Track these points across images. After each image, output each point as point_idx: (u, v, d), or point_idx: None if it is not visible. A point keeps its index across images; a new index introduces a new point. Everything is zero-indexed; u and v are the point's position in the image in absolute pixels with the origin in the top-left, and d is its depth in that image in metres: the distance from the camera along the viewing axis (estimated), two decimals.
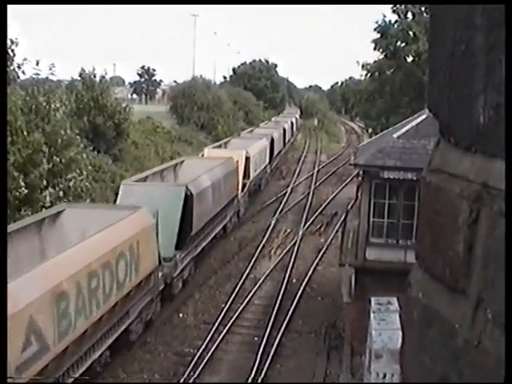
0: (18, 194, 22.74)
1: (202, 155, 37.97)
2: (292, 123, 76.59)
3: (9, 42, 28.63)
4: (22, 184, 22.85)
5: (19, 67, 29.70)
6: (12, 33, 29.48)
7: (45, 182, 24.37)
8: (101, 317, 16.83)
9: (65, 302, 14.87)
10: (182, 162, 33.55)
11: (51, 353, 14.27)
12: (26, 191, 22.99)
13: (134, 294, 19.31)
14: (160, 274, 21.68)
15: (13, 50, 28.96)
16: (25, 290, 13.28)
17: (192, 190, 24.91)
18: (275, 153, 52.78)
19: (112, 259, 17.48)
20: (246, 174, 38.24)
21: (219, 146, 42.64)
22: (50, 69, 30.80)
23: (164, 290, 22.40)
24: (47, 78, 31.20)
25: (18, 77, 30.52)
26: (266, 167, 46.63)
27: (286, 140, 65.66)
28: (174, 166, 32.45)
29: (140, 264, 19.47)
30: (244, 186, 37.59)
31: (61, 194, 24.95)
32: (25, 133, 24.20)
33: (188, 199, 24.45)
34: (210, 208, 28.09)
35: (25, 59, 29.70)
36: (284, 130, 63.77)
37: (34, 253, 17.68)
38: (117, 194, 24.34)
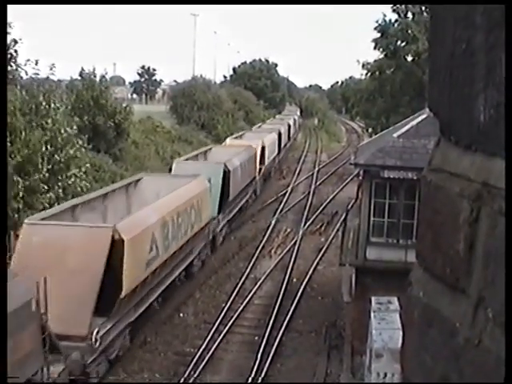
0: (16, 201, 22.79)
1: (224, 145, 45.30)
2: (295, 120, 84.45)
3: (12, 42, 28.64)
4: (20, 189, 22.88)
5: (20, 67, 29.68)
6: (14, 33, 29.36)
7: (45, 186, 24.40)
8: (181, 246, 23.61)
9: (166, 229, 21.65)
10: (210, 149, 40.84)
11: (160, 259, 20.95)
12: (20, 202, 23.01)
13: (196, 236, 25.94)
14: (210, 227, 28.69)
15: (16, 50, 28.95)
16: (148, 216, 20.38)
17: (228, 166, 32.08)
18: (282, 145, 60.07)
19: (188, 207, 24.52)
20: (262, 161, 44.92)
21: (236, 138, 49.04)
22: (51, 68, 30.85)
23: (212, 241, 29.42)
24: (47, 77, 31.21)
25: (21, 77, 30.53)
26: (275, 157, 53.59)
27: (291, 134, 73.56)
28: (204, 151, 39.45)
29: (202, 214, 26.48)
30: (260, 170, 43.88)
31: (60, 192, 24.95)
32: (23, 134, 24.19)
33: (226, 174, 31.37)
34: (240, 183, 35.25)
35: (28, 60, 29.72)
36: (289, 126, 70.93)
37: (123, 207, 24.05)
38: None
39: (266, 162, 46.67)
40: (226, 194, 31.53)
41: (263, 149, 45.45)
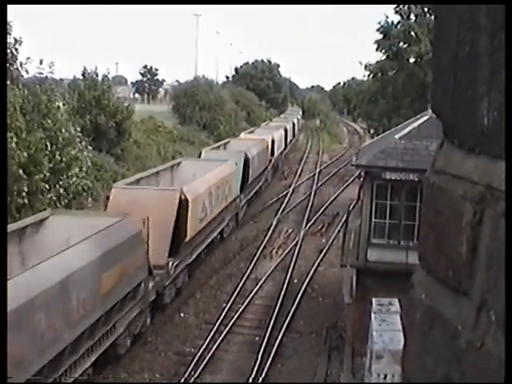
0: (20, 200, 22.78)
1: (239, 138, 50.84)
2: (298, 119, 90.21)
3: (12, 41, 28.63)
4: (25, 189, 22.89)
5: (22, 66, 29.68)
6: (15, 32, 29.29)
7: (46, 186, 24.41)
8: (218, 213, 29.10)
9: (210, 197, 27.32)
10: (229, 141, 46.31)
11: (206, 219, 26.82)
12: (25, 199, 23.01)
13: (227, 208, 31.49)
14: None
15: (16, 49, 28.94)
16: (196, 187, 25.43)
17: (248, 155, 37.46)
18: (288, 140, 66.23)
19: (222, 183, 29.90)
20: (272, 153, 50.50)
21: (248, 133, 55.25)
22: (50, 67, 30.84)
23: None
24: (48, 76, 31.23)
25: (22, 76, 30.53)
26: (282, 151, 59.54)
27: (295, 132, 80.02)
28: (224, 143, 45.15)
29: (231, 191, 32.06)
30: (270, 160, 49.27)
31: (61, 191, 24.98)
32: (24, 134, 24.20)
33: (246, 161, 36.88)
34: (256, 170, 40.66)
35: (28, 58, 29.71)
36: (293, 124, 77.58)
37: (169, 183, 28.13)
38: None
39: (275, 154, 52.50)
40: (246, 178, 37.20)
41: (273, 142, 51.31)
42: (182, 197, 23.31)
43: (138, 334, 20.19)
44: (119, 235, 18.08)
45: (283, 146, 59.90)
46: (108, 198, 23.41)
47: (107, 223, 18.08)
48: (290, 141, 69.11)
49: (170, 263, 22.54)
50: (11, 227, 17.64)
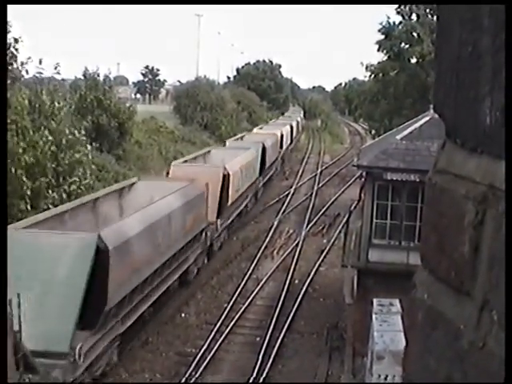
0: (23, 206, 22.81)
1: (253, 133, 58.27)
2: (300, 119, 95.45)
3: (12, 41, 28.61)
4: (28, 193, 22.90)
5: (22, 65, 29.66)
6: (15, 31, 29.32)
7: (50, 191, 24.42)
8: (246, 189, 36.40)
9: (242, 174, 34.60)
10: (244, 135, 54.31)
11: (240, 191, 34.13)
12: (29, 205, 23.02)
13: (251, 186, 38.68)
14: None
15: (17, 49, 28.92)
16: (233, 166, 31.94)
17: (265, 145, 44.91)
18: (294, 135, 73.69)
19: (249, 166, 37.14)
20: (281, 146, 57.58)
21: (259, 129, 63.36)
22: (55, 68, 30.88)
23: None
24: (52, 77, 31.25)
25: (22, 76, 30.54)
26: (289, 145, 66.83)
27: (300, 128, 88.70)
28: (241, 136, 53.05)
29: (254, 173, 39.72)
30: (279, 152, 56.04)
31: (64, 196, 24.96)
32: (31, 132, 24.19)
33: (264, 150, 44.00)
34: (271, 157, 48.05)
35: (29, 58, 29.70)
36: (297, 122, 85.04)
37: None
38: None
39: (284, 147, 59.59)
40: (263, 164, 43.84)
41: (282, 137, 58.38)
42: (225, 172, 30.38)
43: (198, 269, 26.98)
44: (192, 192, 25.18)
45: (290, 141, 67.18)
46: (168, 173, 30.41)
47: (182, 185, 24.89)
48: (295, 137, 76.70)
49: (218, 221, 29.41)
50: (111, 188, 25.54)
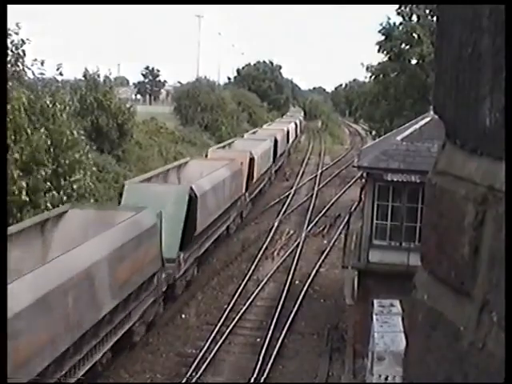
0: (18, 198, 22.67)
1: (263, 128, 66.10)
2: (300, 120, 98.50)
3: (20, 42, 28.63)
4: (24, 185, 22.78)
5: (28, 68, 29.68)
6: (21, 33, 29.20)
7: (48, 184, 24.33)
8: (263, 173, 43.56)
9: (262, 159, 41.75)
10: (257, 130, 62.45)
11: (260, 173, 41.80)
12: (27, 197, 22.91)
13: (267, 171, 46.04)
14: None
15: (24, 51, 28.93)
16: (257, 152, 39.94)
17: (276, 138, 52.42)
18: (297, 132, 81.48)
19: (265, 154, 43.93)
20: (288, 140, 64.90)
21: (268, 125, 71.78)
22: (58, 69, 30.90)
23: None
24: (54, 78, 31.24)
25: (28, 77, 30.56)
26: (294, 139, 74.67)
27: (302, 126, 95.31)
28: (253, 132, 60.27)
29: (269, 160, 46.89)
30: (286, 145, 63.18)
31: (64, 198, 24.91)
32: (29, 131, 24.17)
33: (276, 142, 51.27)
34: (281, 148, 55.59)
35: (35, 59, 29.71)
36: (300, 120, 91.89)
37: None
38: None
39: (290, 140, 66.75)
40: (275, 154, 50.77)
41: (288, 132, 65.25)
42: (251, 156, 38.17)
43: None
44: (234, 167, 30.37)
45: (294, 136, 74.73)
46: (206, 155, 38.43)
47: (227, 162, 29.29)
48: (298, 134, 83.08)
49: (246, 194, 36.82)
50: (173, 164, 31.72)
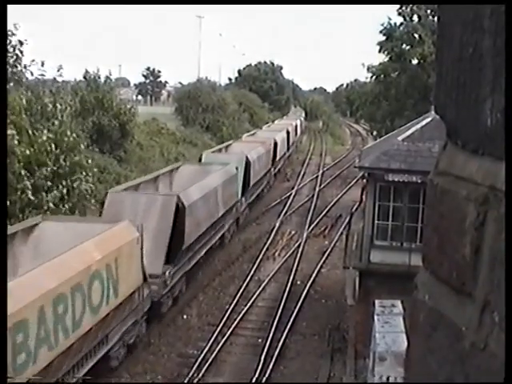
0: (24, 195, 22.68)
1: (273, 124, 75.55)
2: (301, 120, 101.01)
3: (18, 43, 28.64)
4: (28, 184, 22.78)
5: (26, 68, 29.68)
6: (20, 34, 29.18)
7: (49, 183, 24.32)
8: (278, 159, 52.76)
9: (283, 143, 57.12)
10: (270, 125, 71.62)
11: (268, 165, 47.01)
12: (31, 194, 22.91)
13: (282, 157, 56.83)
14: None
15: (22, 51, 28.94)
16: (278, 138, 53.38)
17: (289, 130, 63.11)
18: (302, 128, 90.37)
19: (284, 142, 58.23)
20: (295, 135, 72.97)
21: (278, 122, 78.91)
22: (58, 70, 30.95)
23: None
24: (55, 78, 31.29)
25: (27, 78, 30.57)
26: (300, 136, 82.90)
27: (303, 126, 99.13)
28: (268, 125, 70.35)
29: (284, 148, 58.42)
30: (296, 135, 72.91)
31: (64, 192, 24.91)
32: (30, 132, 24.18)
33: (288, 134, 61.01)
34: (292, 140, 66.10)
35: (33, 60, 29.73)
36: (301, 121, 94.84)
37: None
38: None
39: (291, 140, 68.71)
40: (288, 144, 61.48)
41: (296, 127, 75.17)
42: (275, 141, 49.60)
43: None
44: (268, 146, 41.82)
45: (295, 135, 77.41)
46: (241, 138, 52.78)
47: (261, 144, 37.55)
48: (302, 131, 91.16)
49: (272, 169, 48.83)
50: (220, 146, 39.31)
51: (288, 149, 61.97)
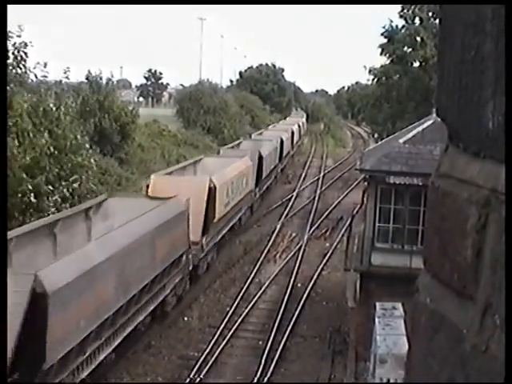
0: (26, 199, 22.67)
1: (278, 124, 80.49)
2: (302, 123, 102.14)
3: (23, 45, 28.55)
4: (30, 188, 22.76)
5: (30, 70, 29.64)
6: (24, 35, 29.06)
7: (50, 187, 24.30)
8: (285, 155, 57.26)
9: (289, 140, 63.33)
10: (276, 125, 75.17)
11: (276, 160, 50.22)
12: (33, 197, 22.89)
13: (288, 155, 59.95)
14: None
15: (26, 53, 28.85)
16: (286, 135, 59.16)
17: (293, 129, 67.51)
18: (301, 133, 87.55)
19: (289, 140, 62.77)
20: (300, 133, 78.45)
21: (282, 122, 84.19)
22: (65, 72, 30.99)
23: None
24: (57, 81, 31.26)
25: (32, 80, 30.54)
26: (297, 140, 79.56)
27: (305, 127, 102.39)
28: (274, 125, 75.19)
29: (290, 147, 62.10)
30: (292, 142, 68.02)
31: (66, 193, 24.88)
32: (31, 135, 24.16)
33: (292, 133, 65.44)
34: (296, 139, 70.74)
35: (38, 63, 29.67)
36: (303, 122, 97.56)
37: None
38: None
39: (294, 140, 71.68)
40: (292, 142, 65.22)
41: (303, 124, 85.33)
42: (284, 137, 54.55)
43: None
44: (284, 138, 51.68)
45: (298, 136, 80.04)
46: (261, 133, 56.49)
47: (276, 136, 44.67)
48: (301, 135, 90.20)
49: (279, 164, 52.93)
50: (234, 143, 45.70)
51: (292, 148, 66.01)
